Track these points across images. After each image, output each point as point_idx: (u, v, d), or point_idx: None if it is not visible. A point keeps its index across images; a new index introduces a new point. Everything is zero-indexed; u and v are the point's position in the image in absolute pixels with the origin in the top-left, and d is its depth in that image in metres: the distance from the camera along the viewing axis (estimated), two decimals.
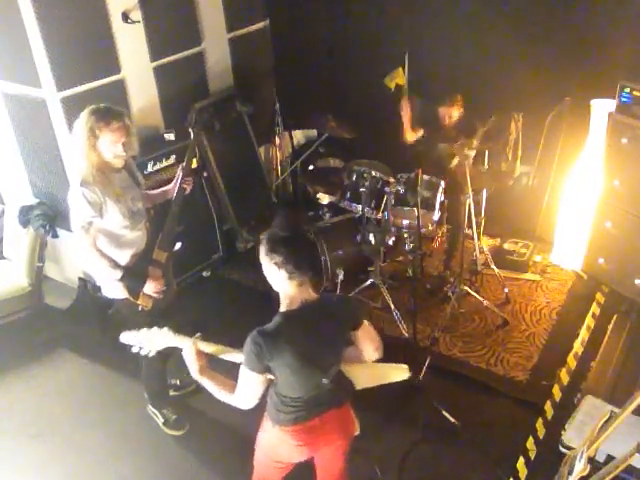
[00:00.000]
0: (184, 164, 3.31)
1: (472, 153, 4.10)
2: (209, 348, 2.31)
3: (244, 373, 2.16)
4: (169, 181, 3.38)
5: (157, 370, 3.42)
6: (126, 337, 2.40)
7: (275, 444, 2.36)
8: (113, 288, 3.08)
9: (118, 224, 2.99)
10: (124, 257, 3.06)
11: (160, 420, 3.58)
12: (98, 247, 2.98)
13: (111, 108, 2.88)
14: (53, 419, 3.70)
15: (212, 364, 2.32)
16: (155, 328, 2.38)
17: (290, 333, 2.13)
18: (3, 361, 4.08)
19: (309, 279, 2.18)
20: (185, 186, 3.27)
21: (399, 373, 2.50)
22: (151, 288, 3.09)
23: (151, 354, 2.41)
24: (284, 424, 2.28)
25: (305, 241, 2.20)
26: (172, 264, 3.32)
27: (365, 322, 2.32)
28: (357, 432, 2.51)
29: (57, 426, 3.65)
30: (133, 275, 3.04)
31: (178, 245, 3.31)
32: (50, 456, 3.46)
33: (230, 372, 2.25)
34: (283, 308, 2.19)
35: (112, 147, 2.85)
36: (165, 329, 2.38)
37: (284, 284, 2.16)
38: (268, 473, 2.50)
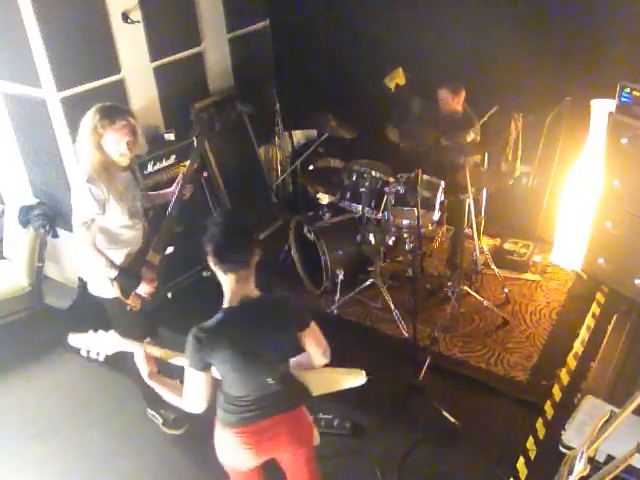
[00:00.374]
0: (185, 171, 3.32)
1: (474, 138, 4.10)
2: (158, 352, 2.31)
3: (189, 373, 2.16)
4: (169, 181, 3.38)
5: None
6: (74, 340, 2.33)
7: (225, 448, 2.33)
8: (103, 286, 3.07)
9: (118, 222, 3.00)
10: (119, 256, 3.06)
11: (159, 421, 3.58)
12: (97, 245, 2.97)
13: (116, 106, 2.90)
14: (53, 419, 3.70)
15: (170, 370, 2.32)
16: (101, 332, 2.32)
17: (230, 329, 2.14)
18: (3, 361, 4.07)
19: (246, 275, 2.16)
20: (185, 192, 3.29)
21: (355, 378, 2.44)
22: (143, 289, 3.09)
23: (101, 358, 2.36)
24: (231, 425, 2.26)
25: (237, 237, 2.14)
26: (164, 268, 3.28)
27: (312, 324, 2.27)
28: (317, 442, 2.45)
29: (57, 426, 3.65)
30: (128, 275, 3.04)
31: (170, 249, 3.30)
32: (50, 456, 3.46)
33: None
34: (225, 304, 2.19)
35: (116, 145, 2.86)
36: (111, 332, 2.32)
37: (222, 278, 2.17)
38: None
